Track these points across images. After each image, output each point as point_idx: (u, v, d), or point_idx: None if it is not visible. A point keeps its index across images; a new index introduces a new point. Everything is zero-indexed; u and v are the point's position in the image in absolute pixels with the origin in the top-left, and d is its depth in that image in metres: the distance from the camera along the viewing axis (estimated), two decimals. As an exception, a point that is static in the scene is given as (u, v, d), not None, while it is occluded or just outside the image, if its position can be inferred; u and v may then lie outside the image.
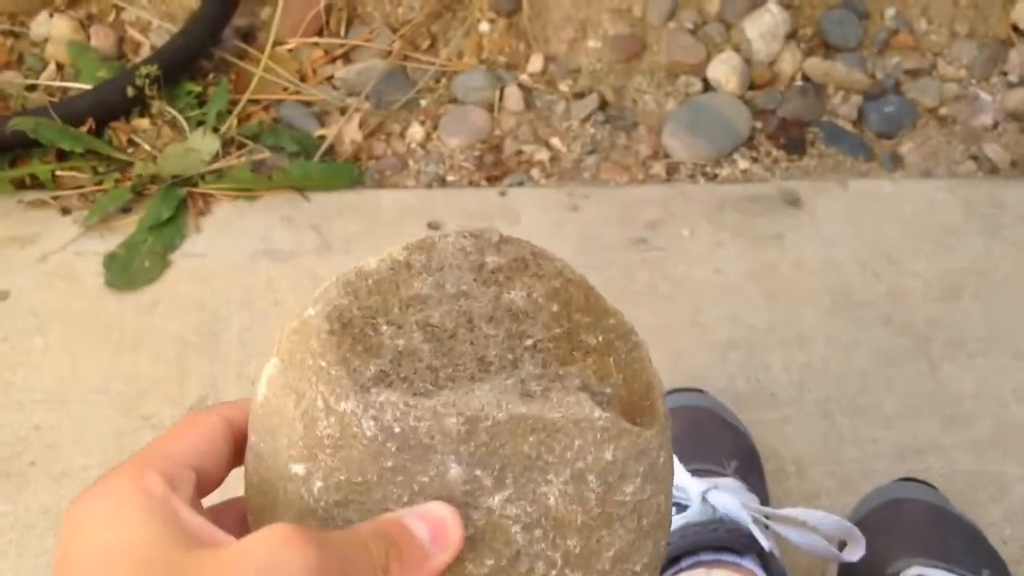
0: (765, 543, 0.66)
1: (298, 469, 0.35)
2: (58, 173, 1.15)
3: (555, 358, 0.38)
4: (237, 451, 0.39)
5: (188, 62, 1.24)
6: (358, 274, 0.38)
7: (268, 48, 1.25)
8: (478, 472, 0.34)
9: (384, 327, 0.37)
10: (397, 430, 0.34)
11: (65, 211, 1.12)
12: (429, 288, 0.38)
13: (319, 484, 0.35)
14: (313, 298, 0.38)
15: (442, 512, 0.34)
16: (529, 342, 0.38)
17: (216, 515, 0.39)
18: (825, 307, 1.06)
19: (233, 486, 0.41)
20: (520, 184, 1.20)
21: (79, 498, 0.33)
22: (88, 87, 1.22)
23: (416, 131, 1.25)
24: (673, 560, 0.69)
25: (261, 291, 1.06)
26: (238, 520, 0.40)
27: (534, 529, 0.35)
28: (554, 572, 0.36)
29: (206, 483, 0.37)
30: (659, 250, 1.11)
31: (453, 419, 0.34)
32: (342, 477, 0.35)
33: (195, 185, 1.15)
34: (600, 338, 0.40)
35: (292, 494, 0.35)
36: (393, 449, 0.34)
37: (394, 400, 0.34)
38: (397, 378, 0.36)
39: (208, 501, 0.39)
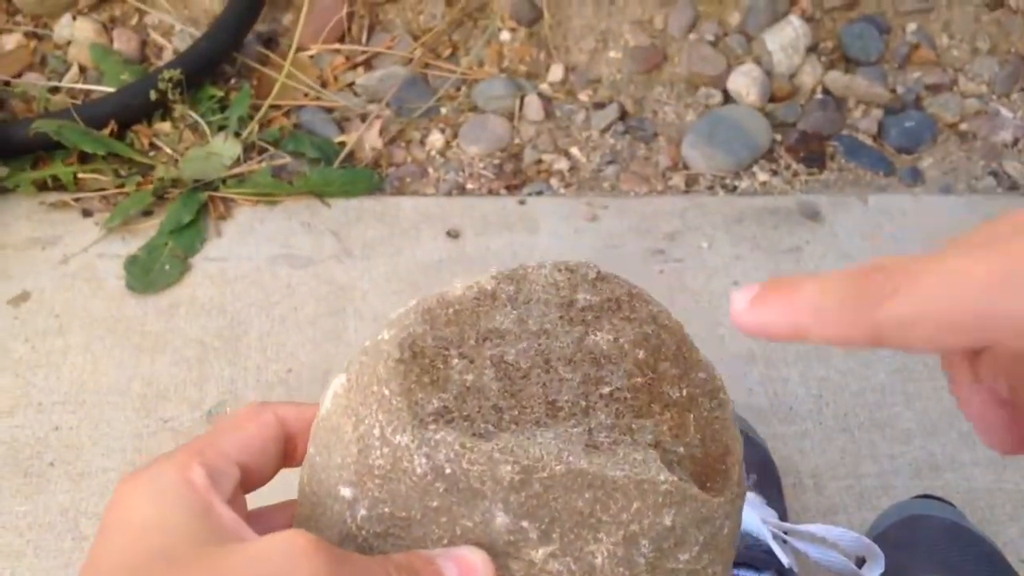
0: (785, 559, 0.66)
1: (346, 492, 0.35)
2: (80, 175, 1.15)
3: (630, 409, 0.37)
4: (288, 453, 0.39)
5: (210, 66, 1.25)
6: (440, 301, 0.37)
7: (291, 54, 1.26)
8: (525, 523, 0.33)
9: (455, 360, 0.36)
10: (448, 471, 0.33)
11: (87, 213, 1.13)
12: (511, 323, 0.37)
13: (363, 512, 0.35)
14: (390, 320, 0.37)
15: (475, 559, 0.33)
16: (606, 390, 0.37)
17: (273, 513, 0.40)
18: (843, 321, 1.06)
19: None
20: (539, 193, 1.20)
21: (127, 479, 0.35)
22: (111, 90, 1.22)
23: (436, 139, 1.25)
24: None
25: (280, 296, 1.07)
26: (289, 522, 0.40)
27: None
28: None
29: (252, 479, 0.38)
30: (677, 261, 1.11)
31: (508, 467, 0.33)
32: (386, 510, 0.34)
33: (216, 189, 1.15)
34: (684, 392, 0.38)
35: (337, 515, 0.35)
36: (441, 490, 0.33)
37: (450, 440, 0.33)
38: (459, 415, 0.34)
39: (276, 498, 0.40)
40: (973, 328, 0.27)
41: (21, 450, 0.93)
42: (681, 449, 0.37)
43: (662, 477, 0.34)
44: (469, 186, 1.21)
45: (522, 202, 1.18)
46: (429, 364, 0.35)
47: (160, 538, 0.32)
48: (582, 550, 0.34)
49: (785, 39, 1.31)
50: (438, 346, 0.36)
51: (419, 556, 0.33)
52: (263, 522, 0.35)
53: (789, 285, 0.30)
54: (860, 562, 0.70)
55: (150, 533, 0.32)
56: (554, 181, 1.22)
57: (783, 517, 0.80)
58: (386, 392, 0.34)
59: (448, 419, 0.34)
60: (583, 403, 0.36)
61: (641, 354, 0.38)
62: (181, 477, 0.34)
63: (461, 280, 0.38)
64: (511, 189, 1.21)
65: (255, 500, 0.39)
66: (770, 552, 0.67)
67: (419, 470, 0.33)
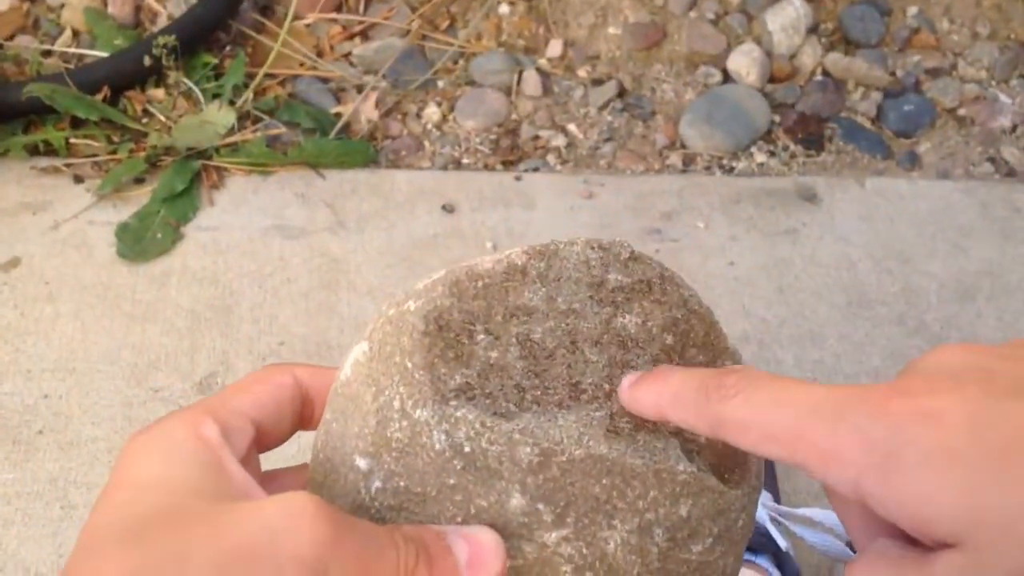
0: (782, 542, 0.66)
1: (362, 463, 0.34)
2: (72, 141, 1.14)
3: None
4: (304, 415, 0.38)
5: (206, 33, 1.23)
6: (469, 273, 0.36)
7: (287, 22, 1.24)
8: (540, 506, 0.33)
9: (481, 336, 0.35)
10: (467, 449, 0.33)
11: (78, 179, 1.12)
12: (539, 300, 0.36)
13: (377, 484, 0.34)
14: (415, 289, 0.36)
15: (486, 539, 0.33)
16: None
17: (287, 475, 0.39)
18: (839, 304, 1.06)
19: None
20: (536, 170, 1.19)
21: (139, 432, 0.34)
22: (104, 55, 1.21)
23: (432, 112, 1.24)
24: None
25: (273, 267, 1.06)
26: (304, 486, 0.39)
27: (585, 572, 0.34)
28: None
29: (267, 439, 0.37)
30: (673, 241, 1.11)
31: (527, 448, 0.33)
32: (401, 484, 0.34)
33: (209, 158, 1.14)
34: None
35: (351, 484, 0.35)
36: (458, 467, 0.33)
37: (471, 419, 0.33)
38: (481, 393, 0.34)
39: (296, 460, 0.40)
40: (786, 447, 0.30)
41: (10, 417, 0.93)
42: (701, 439, 0.36)
43: (681, 467, 0.34)
44: (465, 161, 1.20)
45: (518, 178, 1.17)
46: (454, 339, 0.35)
47: (165, 495, 0.31)
48: (595, 535, 0.34)
49: (786, 19, 1.30)
50: (464, 320, 0.35)
51: (429, 530, 0.33)
52: (277, 484, 0.35)
53: (662, 374, 0.35)
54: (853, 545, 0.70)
55: (155, 490, 0.32)
56: (551, 158, 1.21)
57: (776, 500, 0.80)
58: (409, 365, 0.34)
59: (470, 396, 0.34)
60: (607, 386, 0.36)
61: (669, 339, 0.37)
62: (193, 433, 0.33)
63: (490, 255, 0.37)
64: (507, 165, 1.20)
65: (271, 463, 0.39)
66: (767, 535, 0.67)
67: (437, 446, 0.33)
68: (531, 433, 0.33)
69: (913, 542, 0.30)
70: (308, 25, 1.30)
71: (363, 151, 1.17)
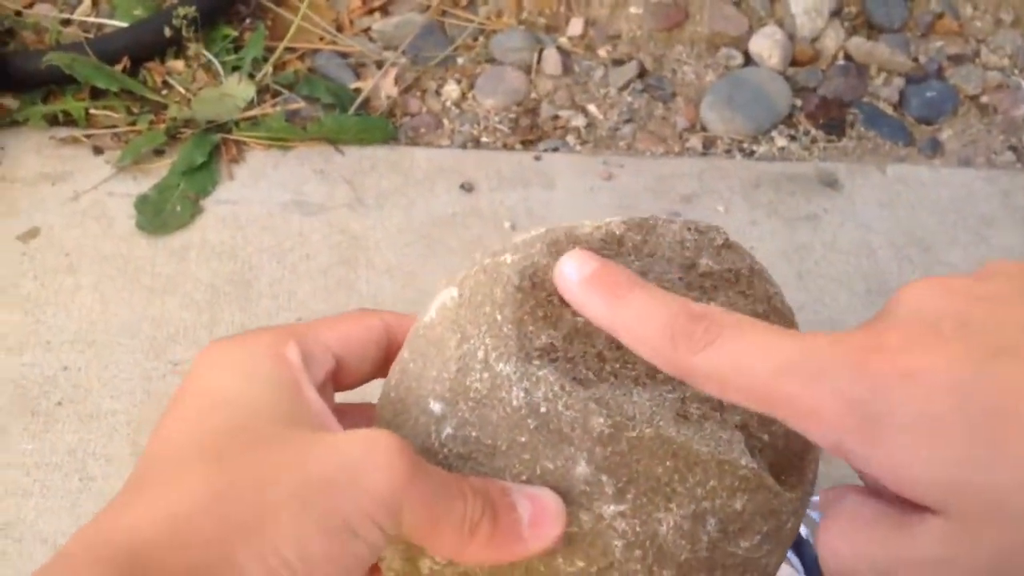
0: (802, 529, 0.66)
1: (436, 407, 0.35)
2: (91, 111, 1.14)
3: None
4: (387, 360, 0.38)
5: (226, 5, 1.23)
6: (568, 235, 0.36)
7: (309, -4, 1.23)
8: (603, 478, 0.33)
9: None
10: (543, 410, 0.33)
11: (98, 150, 1.11)
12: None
13: (449, 431, 0.34)
14: (514, 243, 0.36)
15: (550, 502, 0.33)
16: None
17: (354, 411, 0.39)
18: (858, 291, 1.06)
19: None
20: (555, 150, 1.19)
21: (212, 347, 0.34)
22: (124, 25, 1.20)
23: (452, 89, 1.23)
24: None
25: (292, 243, 1.06)
26: (370, 424, 0.39)
27: (635, 549, 0.34)
28: None
29: (346, 375, 0.37)
30: (694, 224, 1.10)
31: (600, 419, 0.33)
32: (473, 433, 0.34)
33: (229, 132, 1.14)
34: None
35: (421, 427, 0.35)
36: (532, 426, 0.33)
37: (551, 380, 0.33)
38: (563, 356, 0.34)
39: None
40: (762, 400, 0.29)
41: (29, 388, 0.93)
42: (765, 437, 0.36)
43: (743, 461, 0.34)
44: (484, 139, 1.20)
45: (537, 158, 1.16)
46: (545, 298, 0.35)
47: (242, 412, 0.31)
48: (651, 515, 0.34)
49: (809, 2, 1.29)
50: None
51: (496, 485, 0.33)
52: (343, 419, 0.35)
53: (617, 284, 0.32)
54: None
55: (232, 405, 0.32)
56: (570, 138, 1.20)
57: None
58: (498, 317, 0.34)
59: (553, 357, 0.34)
60: None
61: None
62: (274, 352, 0.33)
63: (591, 220, 0.37)
64: (526, 144, 1.19)
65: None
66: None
67: (515, 402, 0.33)
68: (606, 404, 0.33)
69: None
70: (328, -1, 1.30)
71: (382, 128, 1.17)
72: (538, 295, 0.35)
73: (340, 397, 0.38)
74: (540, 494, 0.33)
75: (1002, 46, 1.32)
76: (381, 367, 0.38)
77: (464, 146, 1.19)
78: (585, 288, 0.33)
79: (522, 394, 0.33)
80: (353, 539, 0.29)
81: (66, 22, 1.23)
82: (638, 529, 0.34)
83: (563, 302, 0.35)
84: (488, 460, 0.34)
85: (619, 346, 0.35)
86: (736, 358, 0.30)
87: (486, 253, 0.37)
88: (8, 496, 0.86)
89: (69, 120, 1.13)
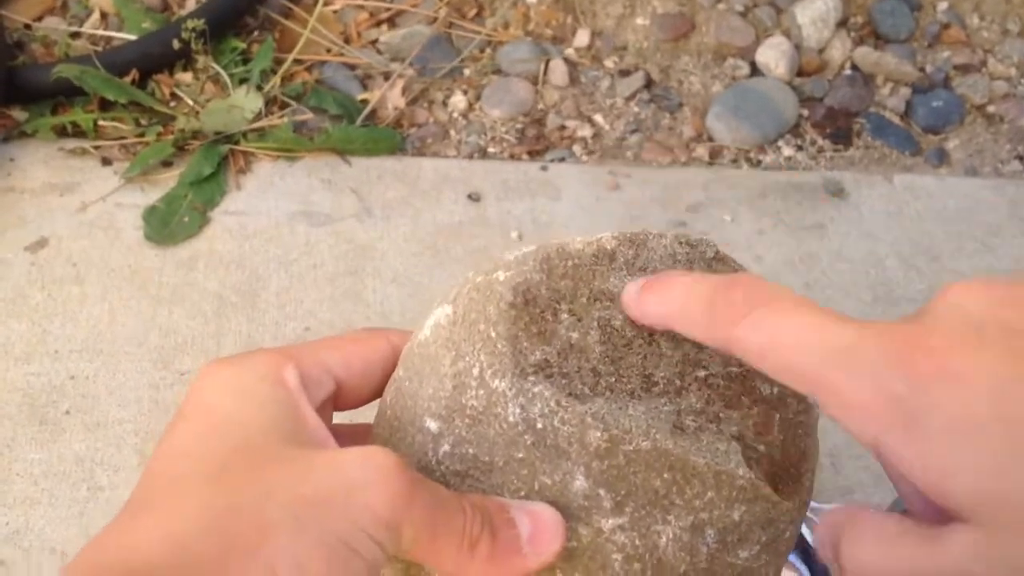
0: (811, 538, 0.66)
1: (432, 425, 0.35)
2: (100, 123, 1.14)
3: (721, 398, 0.36)
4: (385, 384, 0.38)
5: (234, 18, 1.23)
6: (559, 252, 0.36)
7: (318, 8, 1.24)
8: (601, 492, 0.33)
9: (565, 315, 0.35)
10: (539, 426, 0.33)
11: (106, 161, 1.12)
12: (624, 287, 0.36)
13: (446, 448, 0.34)
14: (506, 260, 0.36)
15: (549, 517, 0.33)
16: (701, 373, 0.36)
17: (351, 432, 0.39)
18: (865, 300, 1.05)
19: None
20: (562, 160, 1.19)
21: (215, 364, 0.34)
22: (132, 37, 1.21)
23: (459, 100, 1.24)
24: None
25: (299, 253, 1.06)
26: (366, 444, 0.39)
27: (634, 563, 0.34)
28: None
29: (347, 397, 0.37)
30: (700, 234, 1.10)
31: (597, 433, 0.33)
32: (470, 451, 0.34)
33: (236, 143, 1.14)
34: (775, 390, 0.37)
35: (418, 445, 0.35)
36: (528, 442, 0.33)
37: (547, 395, 0.33)
38: (558, 372, 0.34)
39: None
40: (803, 381, 0.29)
41: (37, 397, 0.93)
42: (761, 447, 0.36)
43: (741, 472, 0.34)
44: (491, 150, 1.20)
45: (544, 168, 1.17)
46: (539, 314, 0.35)
47: (241, 432, 0.32)
48: (649, 528, 0.34)
49: (815, 12, 1.29)
50: (551, 298, 0.35)
51: (494, 501, 0.33)
52: (341, 440, 0.35)
53: (666, 281, 0.34)
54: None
55: (231, 425, 0.32)
56: (577, 148, 1.20)
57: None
58: (492, 334, 0.34)
59: (548, 373, 0.34)
60: (678, 383, 0.36)
61: None
62: (273, 373, 0.34)
63: (582, 236, 0.37)
64: (533, 155, 1.20)
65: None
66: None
67: (511, 419, 0.33)
68: (602, 419, 0.33)
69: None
70: (335, 11, 1.30)
71: (389, 138, 1.17)
72: (532, 311, 0.35)
73: (339, 417, 0.38)
74: (539, 510, 0.33)
75: (1009, 55, 1.32)
76: (383, 389, 0.39)
77: (471, 156, 1.19)
78: (643, 293, 0.34)
79: (518, 410, 0.33)
80: (352, 556, 0.29)
81: (75, 35, 1.24)
82: (637, 542, 0.34)
83: (555, 318, 0.35)
84: (486, 477, 0.34)
85: (614, 360, 0.35)
86: (778, 335, 0.30)
87: (479, 271, 0.37)
88: (16, 505, 0.86)
89: (78, 132, 1.14)
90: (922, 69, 1.30)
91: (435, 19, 1.30)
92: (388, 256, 1.07)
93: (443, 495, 0.32)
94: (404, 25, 1.31)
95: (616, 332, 0.36)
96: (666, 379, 0.36)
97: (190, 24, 1.16)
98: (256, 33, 1.27)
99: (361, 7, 1.31)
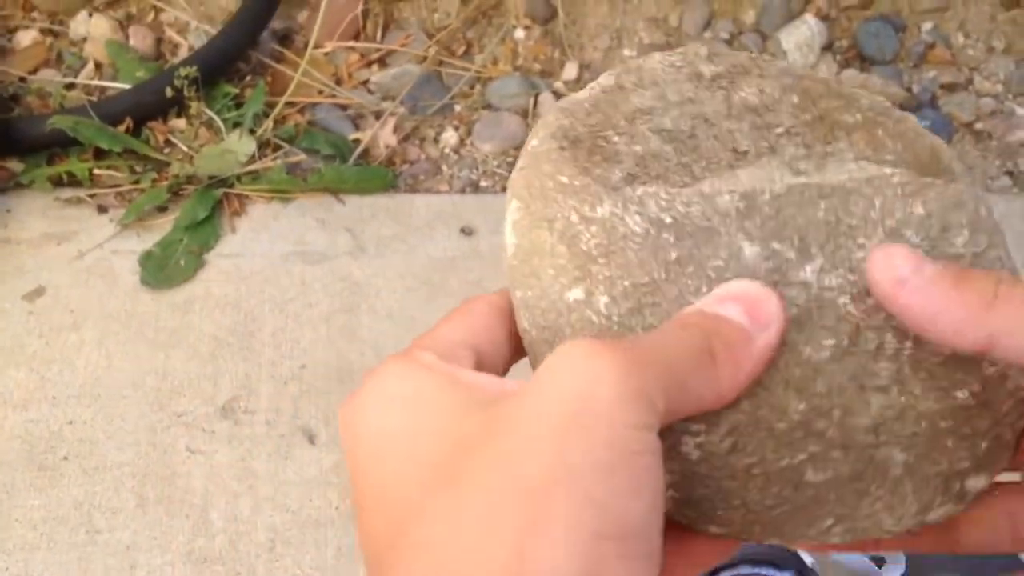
0: (808, 558, 0.66)
1: (576, 293, 0.31)
2: (95, 172, 1.16)
3: (817, 139, 0.33)
4: (515, 340, 0.34)
5: (226, 64, 1.25)
6: (570, 102, 0.34)
7: (309, 50, 1.25)
8: (776, 246, 0.30)
9: (615, 137, 0.33)
10: (668, 220, 0.30)
11: (102, 209, 1.13)
12: (651, 100, 0.34)
13: (604, 299, 0.31)
14: (526, 147, 0.35)
15: (745, 287, 0.30)
16: (780, 130, 0.34)
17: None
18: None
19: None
20: (553, 191, 1.20)
21: (347, 402, 0.30)
22: (126, 87, 1.23)
23: (450, 136, 1.25)
24: (710, 573, 0.68)
25: (295, 292, 1.07)
26: None
27: (866, 299, 0.30)
28: (908, 343, 0.31)
29: (487, 368, 0.32)
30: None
31: (727, 197, 0.30)
32: (626, 283, 0.31)
33: (231, 186, 1.15)
34: (859, 116, 0.34)
35: (578, 322, 0.31)
36: (672, 240, 0.30)
37: (653, 191, 0.31)
38: (649, 177, 0.32)
39: None
40: None
41: (35, 444, 0.94)
42: (890, 157, 0.33)
43: (887, 171, 0.32)
44: (483, 184, 1.21)
45: (536, 200, 1.17)
46: (592, 146, 0.33)
47: (425, 427, 0.28)
48: (851, 258, 0.31)
49: (800, 37, 1.30)
50: (592, 131, 0.33)
51: (687, 313, 0.30)
52: None
53: (968, 279, 0.29)
54: (880, 562, 0.69)
55: (401, 436, 0.28)
56: (568, 179, 1.21)
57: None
58: (564, 180, 0.32)
59: (641, 181, 0.32)
60: (765, 144, 0.33)
61: (795, 98, 0.35)
62: (409, 366, 0.30)
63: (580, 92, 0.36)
64: (525, 187, 1.20)
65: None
66: (792, 550, 0.67)
67: (638, 229, 0.31)
68: (720, 188, 0.31)
69: None
70: (327, 54, 1.32)
71: (382, 176, 1.18)
72: (584, 146, 0.33)
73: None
74: (729, 288, 0.30)
75: (995, 73, 1.33)
76: (513, 351, 0.34)
77: (463, 191, 1.20)
78: (905, 293, 0.30)
79: (638, 218, 0.31)
80: (634, 458, 0.25)
81: (70, 86, 1.26)
82: (851, 278, 0.31)
83: (608, 143, 0.33)
84: (659, 295, 0.31)
85: (691, 150, 0.33)
86: None
87: (517, 164, 0.35)
88: (16, 551, 0.87)
89: (73, 181, 1.15)
90: (909, 89, 1.31)
91: (424, 58, 1.32)
92: (383, 293, 1.07)
93: (656, 337, 0.28)
94: (394, 64, 1.32)
95: (673, 131, 0.33)
96: (753, 144, 0.33)
97: (183, 72, 1.18)
98: (248, 78, 1.28)
99: (351, 48, 1.33)
